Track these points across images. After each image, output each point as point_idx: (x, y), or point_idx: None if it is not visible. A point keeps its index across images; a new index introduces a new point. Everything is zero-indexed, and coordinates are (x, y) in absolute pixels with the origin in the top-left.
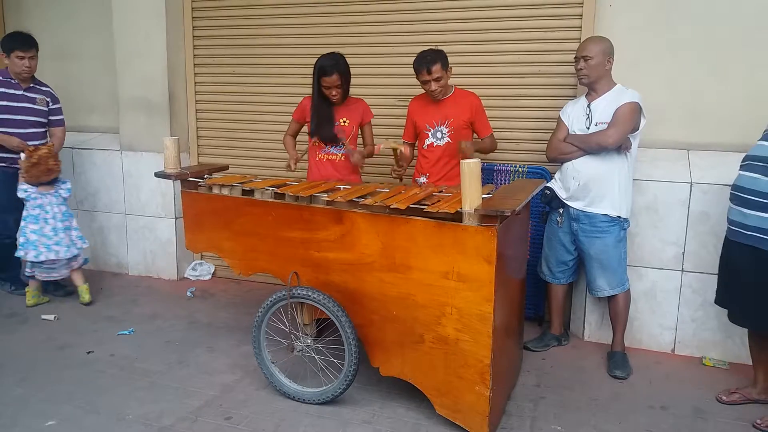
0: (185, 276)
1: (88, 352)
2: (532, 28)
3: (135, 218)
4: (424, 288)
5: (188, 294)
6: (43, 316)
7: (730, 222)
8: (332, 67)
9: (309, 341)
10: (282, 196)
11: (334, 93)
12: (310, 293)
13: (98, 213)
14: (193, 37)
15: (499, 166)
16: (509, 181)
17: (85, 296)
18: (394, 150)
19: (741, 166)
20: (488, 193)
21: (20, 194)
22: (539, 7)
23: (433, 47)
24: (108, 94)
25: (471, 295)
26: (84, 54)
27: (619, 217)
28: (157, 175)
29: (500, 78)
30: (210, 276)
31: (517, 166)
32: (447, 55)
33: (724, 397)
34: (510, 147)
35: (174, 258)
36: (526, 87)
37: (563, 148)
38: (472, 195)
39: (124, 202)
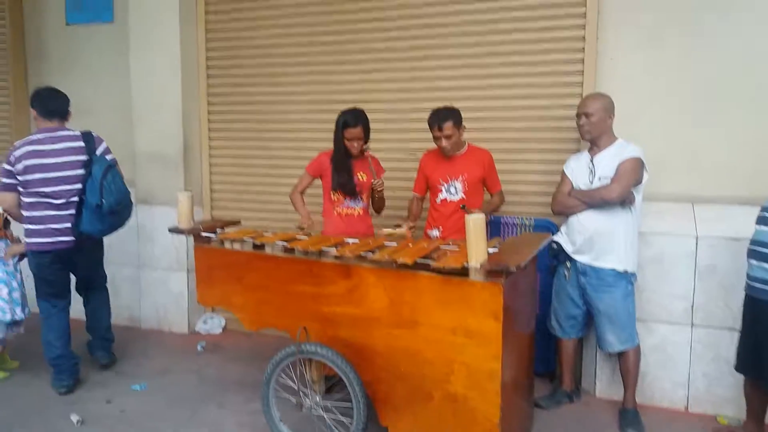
0: (196, 330)
1: (107, 402)
2: (537, 85)
3: (148, 271)
4: (432, 344)
5: (199, 348)
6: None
7: (753, 279)
8: (356, 120)
9: (318, 398)
10: (292, 250)
11: (355, 145)
12: (318, 349)
13: (111, 266)
14: (208, 94)
15: (506, 218)
16: (516, 234)
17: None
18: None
19: (757, 220)
20: (494, 247)
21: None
22: (543, 65)
23: (447, 105)
24: (124, 147)
25: (478, 352)
26: (101, 108)
27: (626, 271)
28: (171, 230)
29: (506, 132)
30: (221, 329)
31: (524, 218)
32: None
33: None
34: (516, 200)
35: (186, 311)
36: (531, 141)
37: (567, 202)
38: (477, 250)
39: (138, 254)
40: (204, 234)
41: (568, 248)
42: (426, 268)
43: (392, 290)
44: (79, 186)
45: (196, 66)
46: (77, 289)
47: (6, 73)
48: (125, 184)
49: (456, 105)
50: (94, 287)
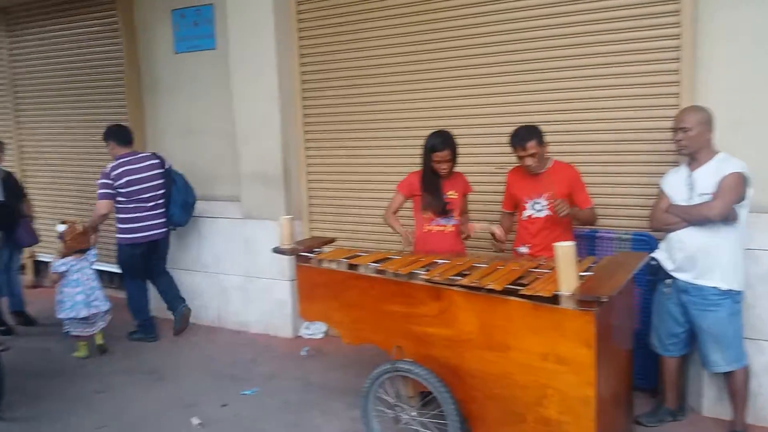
0: (299, 334)
1: (223, 405)
2: (632, 96)
3: (254, 280)
4: (523, 368)
5: (303, 353)
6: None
7: None
8: (443, 143)
9: (414, 413)
10: (383, 271)
11: (444, 167)
12: (413, 368)
13: (222, 275)
14: (304, 115)
15: (602, 232)
16: (612, 249)
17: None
18: (492, 233)
19: None
20: (588, 268)
21: (61, 268)
22: (637, 76)
23: (528, 124)
24: (229, 166)
25: (571, 379)
26: (208, 130)
27: (731, 290)
28: (275, 251)
29: (602, 145)
30: (323, 334)
31: (621, 233)
32: (544, 128)
33: None
34: (612, 213)
35: (290, 317)
36: (628, 153)
37: (666, 219)
38: (567, 278)
39: (245, 265)
40: (303, 254)
41: (667, 266)
42: (515, 293)
43: (482, 314)
44: (162, 191)
45: (293, 91)
46: (149, 277)
47: (123, 99)
48: None
49: (550, 118)
50: (161, 272)
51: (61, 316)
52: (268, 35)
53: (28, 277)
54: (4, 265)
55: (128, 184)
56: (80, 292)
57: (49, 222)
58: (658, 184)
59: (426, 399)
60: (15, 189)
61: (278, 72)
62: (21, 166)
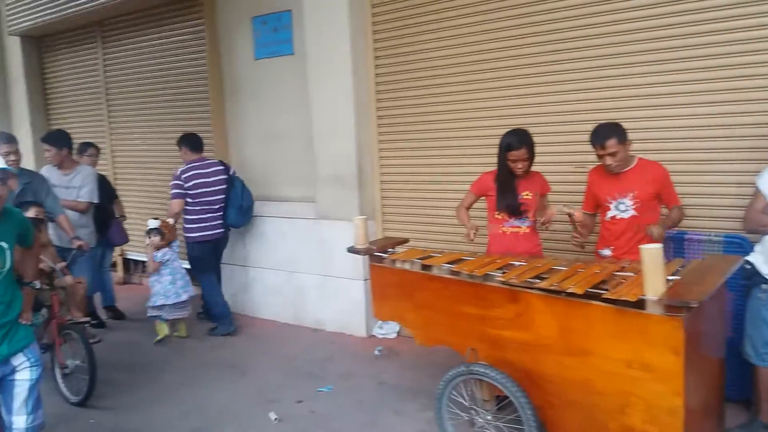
0: (373, 334)
1: (298, 402)
2: (725, 90)
3: (330, 279)
4: (605, 375)
5: (376, 352)
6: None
7: None
8: (519, 141)
9: (489, 417)
10: (458, 272)
11: (520, 166)
12: (488, 371)
13: (298, 274)
14: (377, 117)
15: (691, 234)
16: (702, 251)
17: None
18: (569, 215)
19: None
20: (676, 271)
21: (165, 257)
22: (733, 68)
23: (610, 121)
24: (306, 168)
25: (658, 387)
26: (286, 133)
27: None
28: (349, 250)
29: (692, 142)
30: (396, 334)
31: (711, 234)
32: (630, 124)
33: None
34: (703, 213)
35: (364, 316)
36: (721, 150)
37: (762, 221)
38: (654, 282)
39: (321, 264)
40: (377, 254)
41: (764, 270)
42: (598, 297)
43: (562, 318)
44: (224, 195)
45: (367, 93)
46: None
47: (207, 104)
48: None
49: (637, 114)
50: (217, 267)
51: (167, 303)
52: (343, 39)
53: (118, 274)
54: (97, 263)
55: (195, 186)
56: (180, 278)
57: (139, 222)
58: (753, 183)
59: (501, 403)
60: (108, 191)
61: (353, 74)
62: (113, 168)
